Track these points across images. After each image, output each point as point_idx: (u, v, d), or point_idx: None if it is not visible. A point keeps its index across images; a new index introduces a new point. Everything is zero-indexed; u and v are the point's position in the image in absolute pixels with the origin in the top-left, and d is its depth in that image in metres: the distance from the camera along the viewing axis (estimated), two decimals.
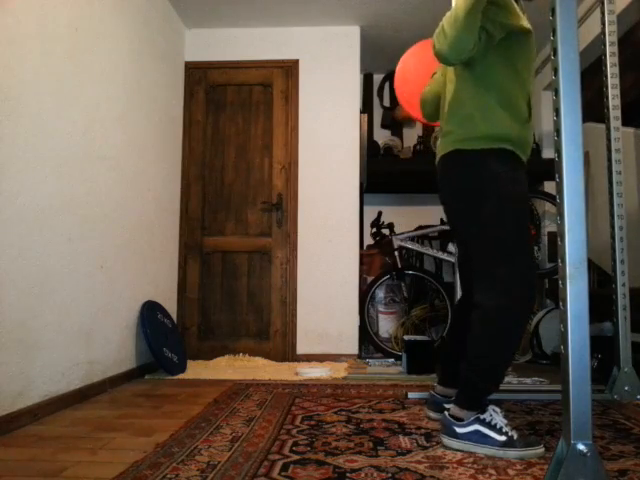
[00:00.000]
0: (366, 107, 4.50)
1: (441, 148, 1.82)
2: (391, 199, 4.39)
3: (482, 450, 1.54)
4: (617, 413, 2.02)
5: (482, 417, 1.58)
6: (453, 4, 1.66)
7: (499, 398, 2.25)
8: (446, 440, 1.60)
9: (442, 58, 1.63)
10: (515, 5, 1.74)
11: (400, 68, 2.81)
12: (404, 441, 1.66)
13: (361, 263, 3.65)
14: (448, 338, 2.01)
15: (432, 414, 1.91)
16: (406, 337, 3.10)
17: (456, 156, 1.74)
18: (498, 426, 1.55)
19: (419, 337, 3.14)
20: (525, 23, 1.73)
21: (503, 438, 1.53)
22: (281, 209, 3.62)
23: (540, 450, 1.52)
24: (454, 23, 1.56)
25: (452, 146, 1.75)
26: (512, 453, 1.50)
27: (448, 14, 1.60)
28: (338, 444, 1.63)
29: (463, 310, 1.88)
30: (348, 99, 3.67)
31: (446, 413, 1.64)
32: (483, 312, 1.66)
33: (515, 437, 1.53)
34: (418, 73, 2.45)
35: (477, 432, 1.56)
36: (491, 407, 1.61)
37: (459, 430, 1.58)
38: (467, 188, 1.73)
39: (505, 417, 1.61)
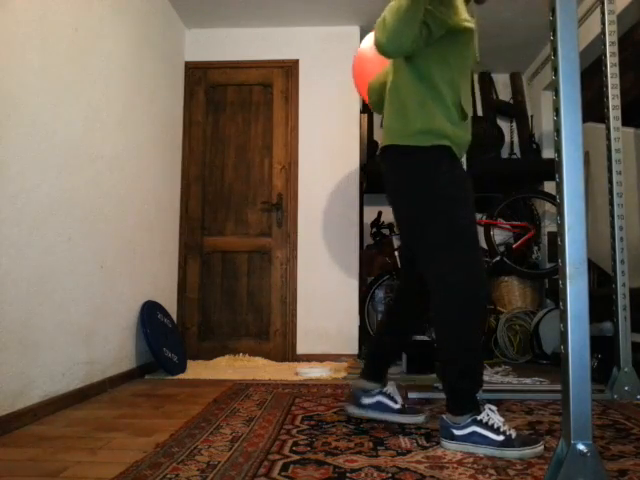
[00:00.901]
0: (366, 107, 4.49)
1: (382, 141, 1.81)
2: None
3: (481, 451, 1.53)
4: (617, 413, 2.02)
5: (479, 418, 1.57)
6: None
7: (499, 398, 2.25)
8: (444, 443, 1.60)
9: (381, 50, 1.60)
10: (461, 4, 1.71)
11: (358, 57, 2.75)
12: (404, 441, 1.66)
13: (361, 263, 3.65)
14: (377, 332, 1.98)
15: (350, 409, 1.90)
16: None
17: (394, 152, 1.74)
18: (495, 426, 1.54)
19: (419, 337, 3.14)
20: (468, 23, 1.70)
21: (501, 438, 1.52)
22: (281, 209, 3.62)
23: (539, 448, 1.51)
24: (396, 15, 1.52)
25: (390, 140, 1.74)
26: (511, 453, 1.50)
27: (392, 4, 1.55)
28: (338, 444, 1.63)
29: (400, 303, 1.92)
30: (348, 99, 3.67)
31: (443, 416, 1.64)
32: (438, 317, 1.69)
33: (513, 436, 1.53)
34: (375, 63, 2.34)
35: (474, 433, 1.55)
36: (487, 406, 1.61)
37: (457, 432, 1.57)
38: (406, 186, 1.72)
39: (502, 416, 1.61)
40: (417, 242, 1.74)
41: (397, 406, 1.88)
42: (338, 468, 1.41)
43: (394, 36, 1.54)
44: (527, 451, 1.50)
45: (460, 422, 1.58)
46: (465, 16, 1.70)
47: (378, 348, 1.94)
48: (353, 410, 1.89)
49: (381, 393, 1.88)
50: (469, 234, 1.67)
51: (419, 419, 1.87)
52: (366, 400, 1.89)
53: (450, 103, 1.69)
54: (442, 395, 2.26)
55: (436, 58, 1.68)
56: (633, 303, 2.31)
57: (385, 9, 1.57)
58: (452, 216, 1.65)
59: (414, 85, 1.70)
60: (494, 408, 1.61)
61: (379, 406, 1.87)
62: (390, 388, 1.91)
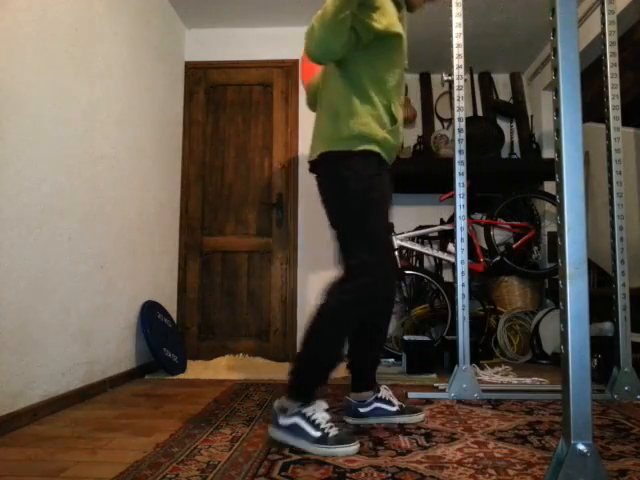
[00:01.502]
0: None
1: (313, 146, 1.82)
2: None
3: (297, 443, 1.54)
4: (617, 413, 2.02)
5: (303, 411, 1.58)
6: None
7: (499, 398, 2.25)
8: (271, 429, 1.61)
9: (311, 57, 1.63)
10: (390, 8, 1.72)
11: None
12: (404, 441, 1.66)
13: None
14: (350, 345, 1.98)
15: (349, 420, 1.90)
16: (406, 337, 3.10)
17: (326, 158, 1.76)
18: (317, 422, 1.55)
19: (419, 337, 3.14)
20: (397, 28, 1.71)
21: (317, 434, 1.53)
22: (281, 209, 3.62)
23: (351, 448, 1.51)
24: (323, 23, 1.53)
25: (322, 147, 1.76)
26: (322, 450, 1.51)
27: (319, 12, 1.56)
28: None
29: None
30: None
31: (275, 403, 1.65)
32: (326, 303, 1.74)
33: (331, 434, 1.53)
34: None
35: (296, 426, 1.56)
36: (318, 402, 1.62)
37: (281, 421, 1.59)
38: (334, 189, 1.77)
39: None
40: (337, 241, 1.80)
41: (394, 408, 1.89)
42: (338, 468, 1.41)
43: (323, 43, 1.57)
44: (336, 449, 1.50)
45: (288, 409, 1.59)
46: (395, 22, 1.71)
47: (358, 357, 1.94)
48: (353, 421, 1.89)
49: (377, 399, 1.89)
50: (375, 238, 1.72)
51: (419, 417, 1.89)
52: (363, 409, 1.89)
53: (380, 108, 1.72)
54: (443, 395, 2.28)
55: (365, 63, 1.70)
56: (633, 303, 2.31)
57: (314, 17, 1.58)
58: (366, 218, 1.70)
59: (345, 90, 1.72)
60: (324, 405, 1.62)
61: (377, 412, 1.88)
62: (384, 392, 1.92)
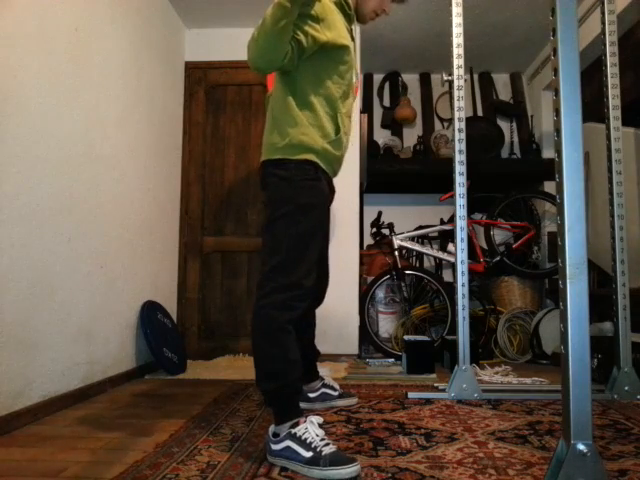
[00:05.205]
0: (366, 107, 4.50)
1: (261, 155, 1.80)
2: (391, 199, 4.39)
3: (292, 467, 1.46)
4: (617, 413, 2.02)
5: (293, 431, 1.50)
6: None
7: (499, 398, 2.25)
8: (268, 457, 1.53)
9: (253, 67, 1.61)
10: (338, 20, 1.71)
11: None
12: (404, 441, 1.66)
13: (361, 263, 3.65)
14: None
15: (304, 405, 1.95)
16: (406, 337, 3.10)
17: (266, 166, 1.72)
18: (308, 441, 1.46)
19: (419, 337, 3.14)
20: (344, 41, 1.70)
21: (309, 454, 1.44)
22: None
23: (345, 471, 1.38)
24: (263, 33, 1.52)
25: (264, 156, 1.74)
26: (315, 472, 1.41)
27: (259, 22, 1.54)
28: (338, 444, 1.62)
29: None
30: None
31: (269, 429, 1.57)
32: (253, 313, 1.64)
33: (324, 453, 1.43)
34: None
35: (288, 448, 1.48)
36: (309, 419, 1.54)
37: (273, 447, 1.51)
38: (269, 196, 1.69)
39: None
40: (263, 247, 1.70)
41: (336, 393, 2.15)
42: None
43: (263, 54, 1.57)
44: (330, 472, 1.39)
45: (279, 433, 1.52)
46: (342, 34, 1.70)
47: (303, 352, 1.85)
48: (303, 405, 1.87)
49: (324, 385, 2.14)
50: (301, 255, 1.62)
51: (354, 400, 2.17)
52: (312, 394, 2.11)
53: (325, 118, 1.69)
54: (443, 395, 2.28)
55: (310, 73, 1.68)
56: (633, 303, 2.31)
57: (255, 26, 1.57)
58: (294, 224, 1.61)
59: (287, 99, 1.69)
60: (315, 420, 1.54)
61: (323, 396, 2.11)
62: (327, 379, 2.17)
